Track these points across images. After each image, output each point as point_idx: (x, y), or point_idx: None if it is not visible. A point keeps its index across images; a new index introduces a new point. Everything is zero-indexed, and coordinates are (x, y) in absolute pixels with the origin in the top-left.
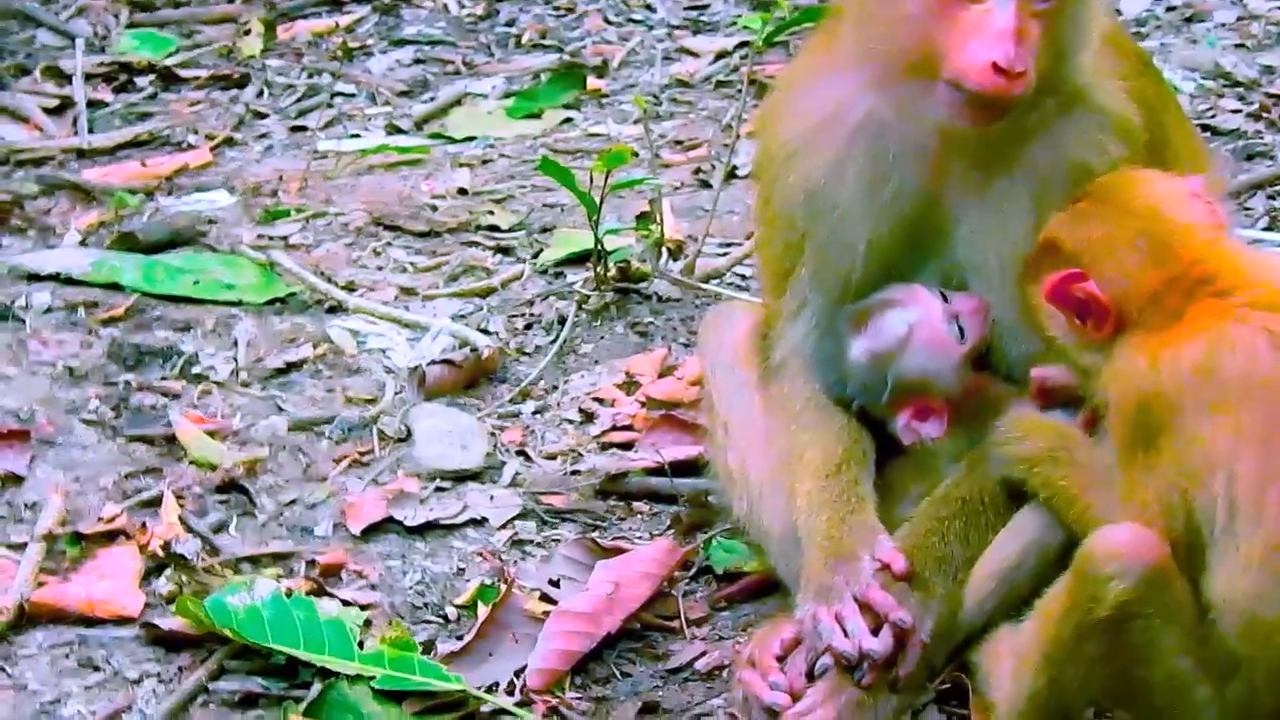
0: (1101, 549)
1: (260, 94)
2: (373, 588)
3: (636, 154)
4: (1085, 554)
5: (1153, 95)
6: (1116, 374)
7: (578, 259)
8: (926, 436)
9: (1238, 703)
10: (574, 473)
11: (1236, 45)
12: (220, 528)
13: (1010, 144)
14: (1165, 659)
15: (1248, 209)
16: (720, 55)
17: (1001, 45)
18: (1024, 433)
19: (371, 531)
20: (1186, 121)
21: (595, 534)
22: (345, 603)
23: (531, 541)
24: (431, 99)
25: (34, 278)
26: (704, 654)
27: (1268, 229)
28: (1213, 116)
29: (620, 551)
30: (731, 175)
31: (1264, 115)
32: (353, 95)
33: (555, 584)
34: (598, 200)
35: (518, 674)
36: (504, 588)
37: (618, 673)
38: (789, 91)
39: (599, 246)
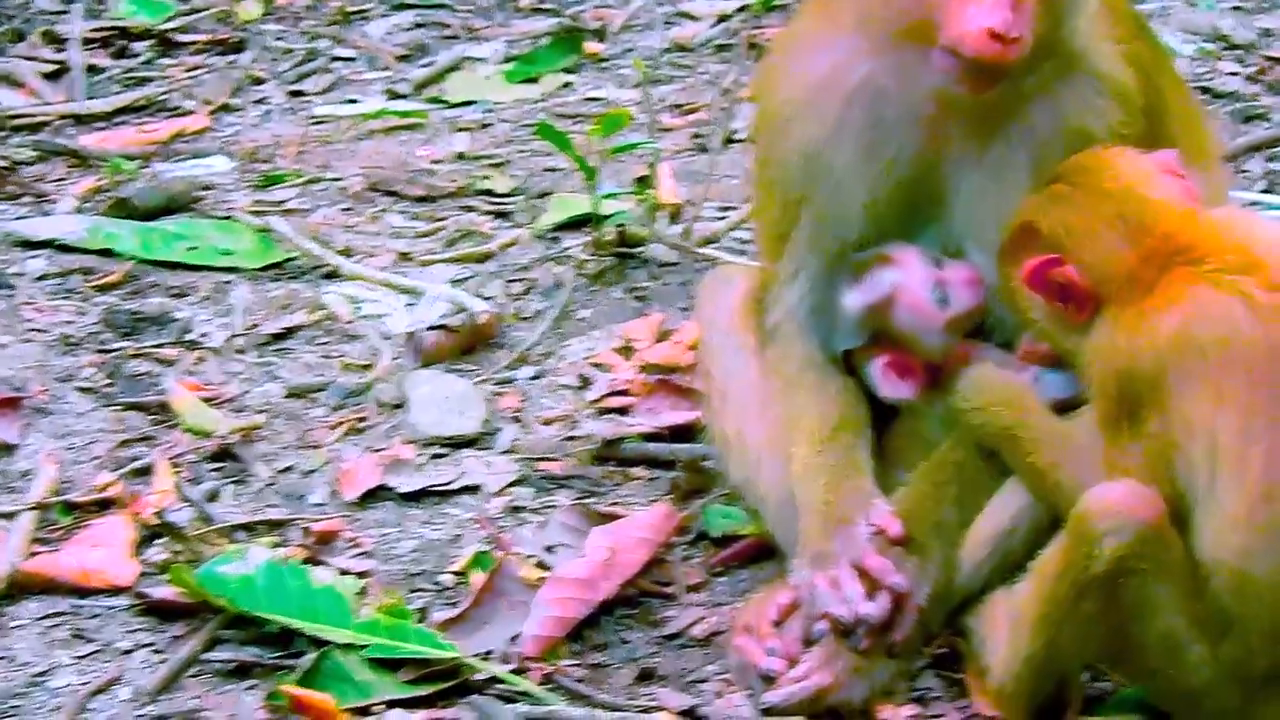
0: (1098, 506)
1: (258, 59)
2: (367, 555)
3: (634, 118)
4: (1081, 511)
5: (1148, 58)
6: (1096, 351)
7: (575, 224)
8: (900, 394)
9: (1231, 662)
10: (571, 438)
11: (1235, 8)
12: (214, 496)
13: (1007, 109)
14: (1160, 617)
15: (1245, 171)
16: (721, 19)
17: (998, 11)
18: (982, 406)
19: (367, 499)
20: (1182, 84)
21: (591, 500)
22: (340, 571)
23: (527, 508)
24: (430, 63)
25: (28, 244)
26: (701, 620)
27: (1265, 191)
28: (1211, 79)
29: (616, 517)
30: (730, 140)
31: (1262, 78)
32: (351, 60)
33: (551, 550)
34: (595, 165)
35: (513, 641)
36: (499, 555)
37: (614, 639)
38: (786, 55)
39: (596, 211)
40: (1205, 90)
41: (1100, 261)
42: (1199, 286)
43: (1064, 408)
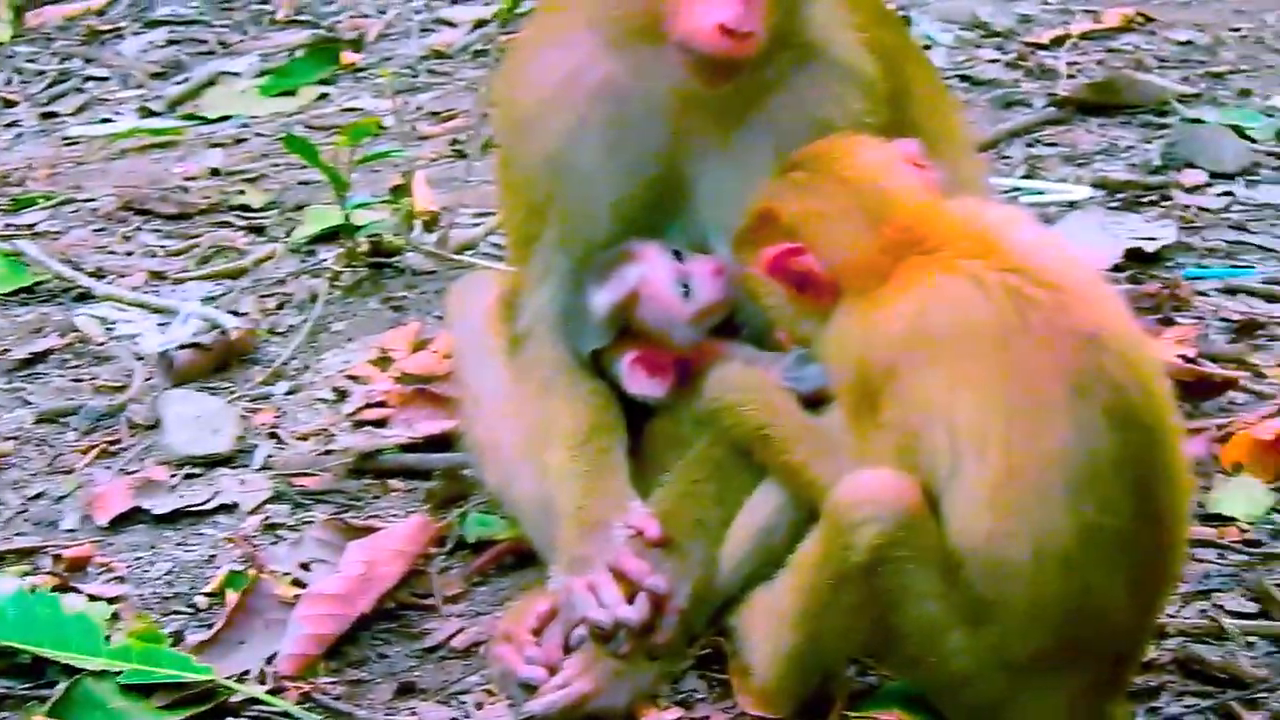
0: (853, 495)
1: (9, 81)
2: (120, 580)
3: (385, 127)
4: (836, 501)
5: (892, 45)
6: (833, 342)
7: (331, 236)
8: (650, 391)
9: (992, 648)
10: (327, 453)
11: None
12: None
13: (748, 102)
14: (920, 605)
15: (1006, 157)
16: (478, 24)
17: (728, 6)
18: (731, 405)
19: (119, 522)
20: (930, 71)
21: (349, 514)
22: (92, 597)
23: (284, 525)
24: (185, 80)
25: None
26: (460, 631)
27: (1026, 176)
28: (971, 67)
29: (373, 531)
30: (489, 146)
31: (1021, 64)
32: (105, 79)
33: (306, 567)
34: (347, 175)
35: (270, 661)
36: (253, 574)
37: (373, 654)
38: (524, 57)
39: (349, 222)
40: (965, 78)
41: (839, 250)
42: (931, 273)
43: (825, 399)
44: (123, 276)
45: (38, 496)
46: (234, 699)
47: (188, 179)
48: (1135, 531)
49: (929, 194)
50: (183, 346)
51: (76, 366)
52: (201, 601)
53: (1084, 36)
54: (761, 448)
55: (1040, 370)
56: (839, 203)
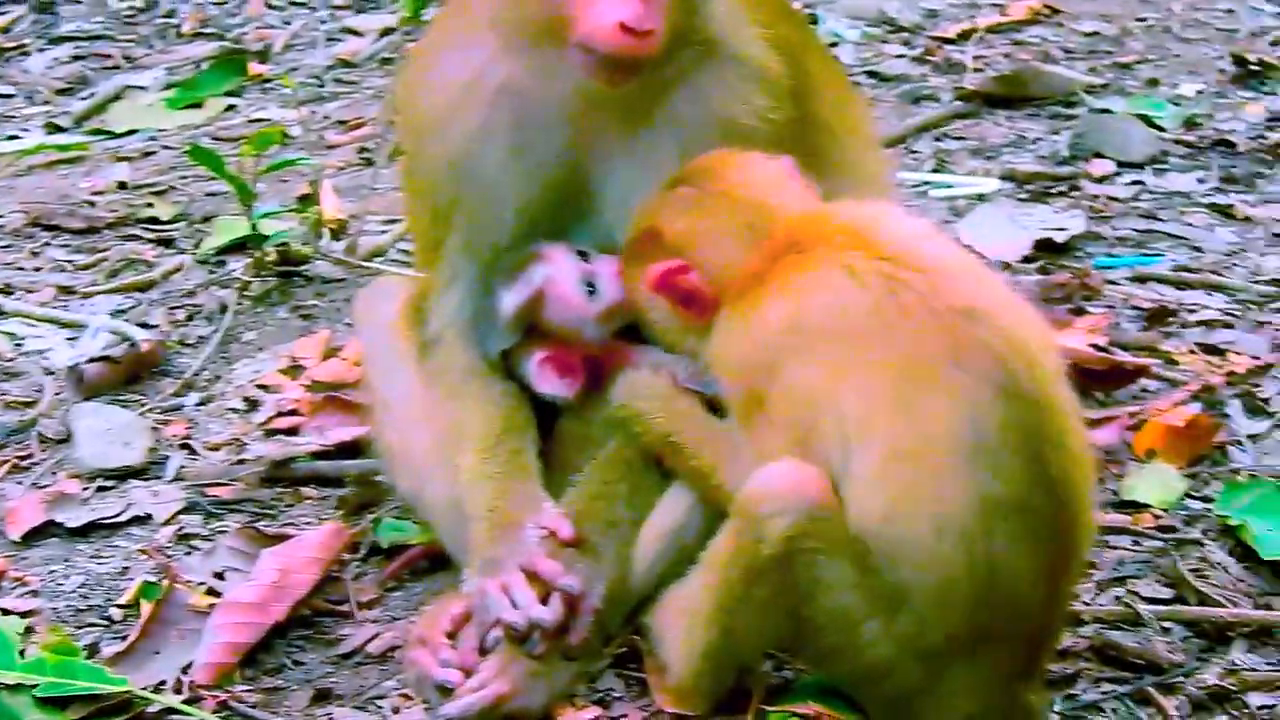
0: (763, 488)
1: None
2: (34, 593)
3: (290, 135)
4: (747, 495)
5: (795, 41)
6: (716, 350)
7: (239, 246)
8: (559, 391)
9: (908, 636)
10: (240, 462)
11: None
12: None
13: (651, 100)
14: (833, 595)
15: (915, 152)
16: (384, 33)
17: (628, 5)
18: (637, 413)
19: (32, 536)
20: (834, 65)
21: (262, 523)
22: (5, 611)
23: (198, 535)
24: (91, 95)
25: None
26: (376, 636)
27: (934, 171)
28: (878, 63)
29: (285, 538)
30: (396, 152)
31: (929, 59)
32: (10, 96)
33: (220, 576)
34: (253, 185)
35: (185, 670)
36: (167, 584)
37: (289, 661)
38: (426, 61)
39: (256, 231)
40: (872, 74)
41: (721, 264)
42: (805, 269)
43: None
44: (31, 292)
45: None
46: (151, 710)
47: (95, 194)
48: (1033, 500)
49: (808, 203)
50: (93, 360)
51: None
52: (116, 613)
53: (990, 30)
54: (668, 454)
55: (919, 349)
56: (721, 218)
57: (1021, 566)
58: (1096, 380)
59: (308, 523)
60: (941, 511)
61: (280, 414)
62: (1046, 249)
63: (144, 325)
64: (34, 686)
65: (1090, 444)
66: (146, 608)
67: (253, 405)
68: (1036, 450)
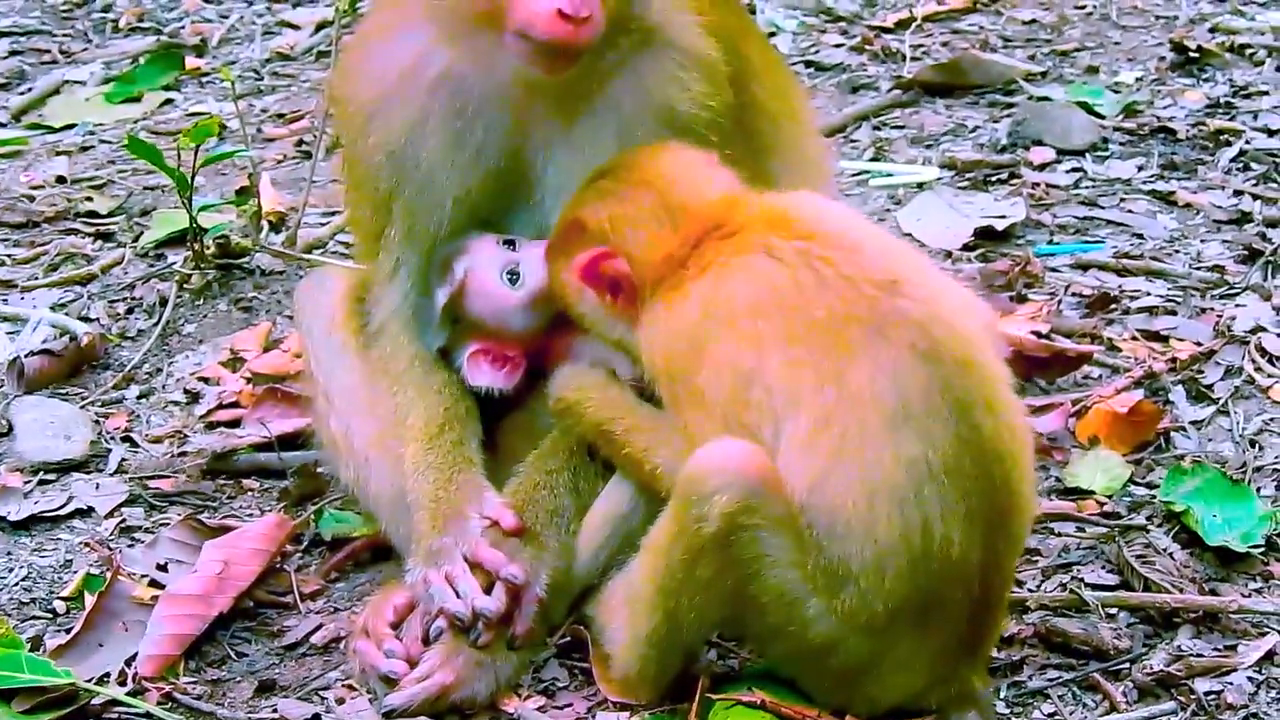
0: (703, 466)
1: None
2: None
3: (225, 127)
4: (687, 475)
5: (733, 27)
6: (645, 339)
7: (179, 239)
8: (494, 383)
9: (850, 612)
10: (181, 454)
11: None
12: None
13: (590, 87)
14: (776, 572)
15: (854, 141)
16: (321, 26)
17: None
18: (570, 406)
19: None
20: (772, 52)
21: (205, 515)
22: None
23: (141, 528)
24: (29, 89)
25: None
26: (320, 627)
27: (874, 159)
28: (816, 52)
29: (228, 530)
30: (335, 145)
31: (867, 47)
32: None
33: (163, 568)
34: (191, 177)
35: (129, 663)
36: (110, 576)
37: (232, 653)
38: (362, 51)
39: (194, 224)
40: (810, 64)
41: (644, 252)
42: (725, 252)
43: None
44: None
45: None
46: (95, 702)
47: (34, 188)
48: (964, 463)
49: (728, 189)
50: (33, 353)
51: None
52: (59, 606)
53: (929, 19)
54: (605, 443)
55: (841, 320)
56: (640, 204)
57: (957, 531)
58: (1039, 367)
59: (250, 514)
60: (870, 476)
61: (221, 406)
62: (987, 237)
63: (84, 319)
64: None
65: (1022, 411)
66: (90, 600)
67: (194, 398)
68: (964, 412)
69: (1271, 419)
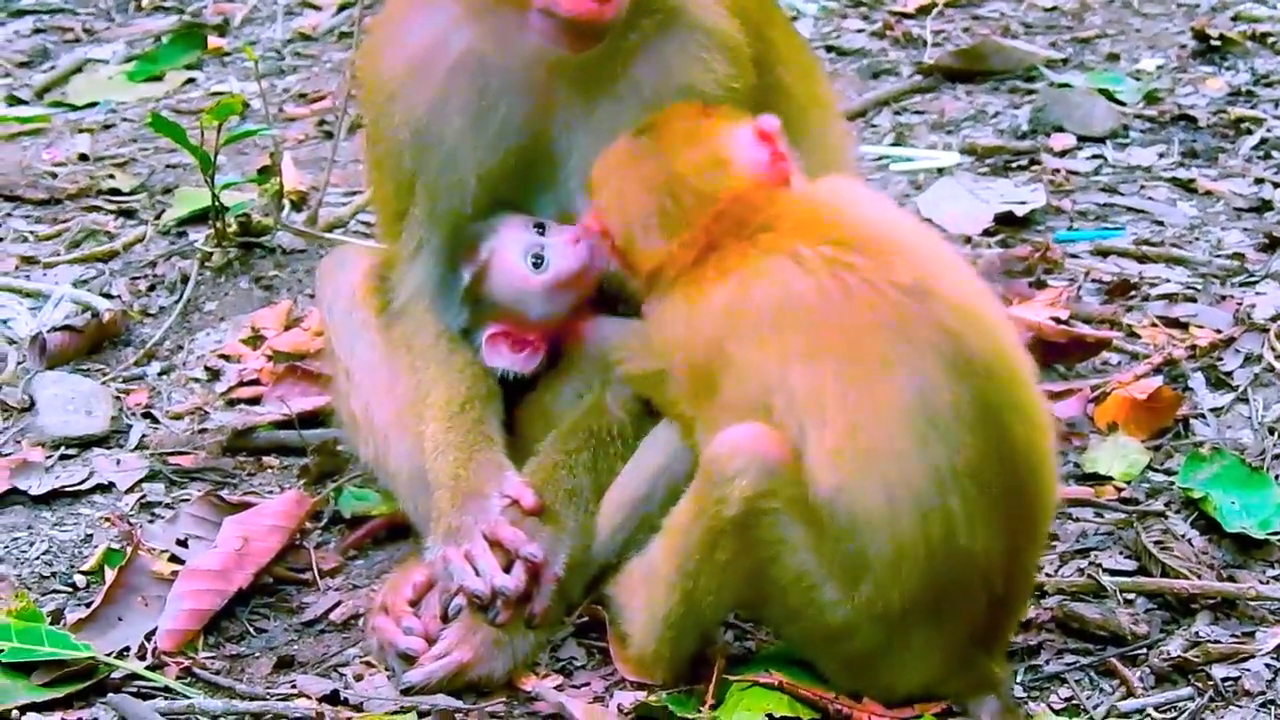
0: (725, 448)
1: None
2: None
3: (248, 105)
4: (709, 456)
5: (755, 9)
6: (660, 326)
7: (200, 217)
8: (512, 366)
9: (867, 600)
10: (202, 431)
11: None
12: None
13: (613, 67)
14: (794, 556)
15: (874, 126)
16: (343, 6)
17: None
18: (629, 353)
19: None
20: (795, 35)
21: (225, 491)
22: None
23: (161, 503)
24: (52, 68)
25: None
26: (339, 604)
27: (894, 144)
28: (837, 37)
29: (248, 506)
30: (356, 125)
31: (888, 33)
32: None
33: (183, 544)
34: (214, 155)
35: (149, 637)
36: (130, 551)
37: (251, 629)
38: (387, 29)
39: (216, 202)
40: (831, 48)
41: (633, 251)
42: (748, 255)
43: None
44: None
45: None
46: (114, 675)
47: (56, 165)
48: (989, 469)
49: (769, 174)
50: (55, 330)
51: None
52: (80, 580)
53: (950, 4)
54: (650, 390)
55: (867, 329)
56: (642, 191)
57: (981, 530)
58: (1058, 353)
59: (270, 491)
60: (896, 485)
61: (242, 383)
62: (1007, 222)
63: (106, 295)
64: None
65: (1048, 411)
66: (110, 575)
67: (214, 375)
68: (995, 422)
69: None
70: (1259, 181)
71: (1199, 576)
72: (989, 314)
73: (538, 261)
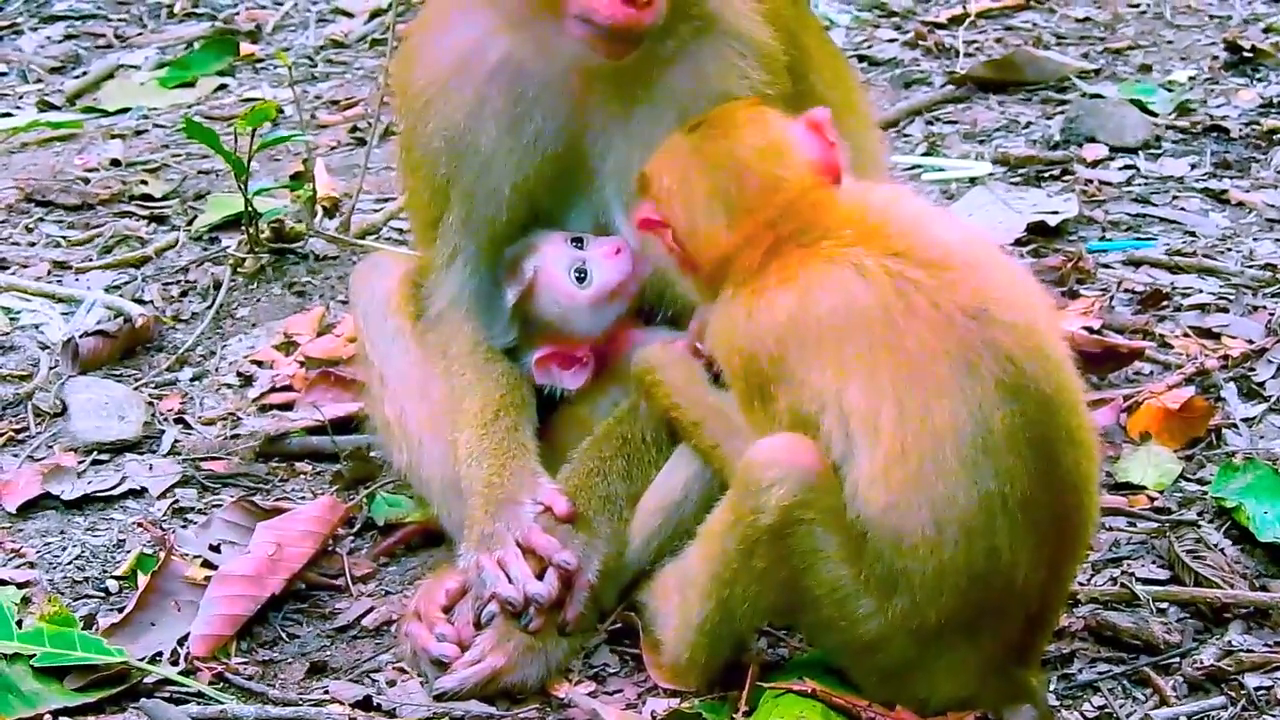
0: (761, 458)
1: None
2: (31, 565)
3: (282, 110)
4: (745, 465)
5: (790, 17)
6: (716, 331)
7: (233, 223)
8: (562, 383)
9: (901, 614)
10: (234, 437)
11: None
12: None
13: (649, 75)
14: (829, 567)
15: (907, 135)
16: (375, 14)
17: None
18: (649, 386)
19: (28, 508)
20: (829, 43)
21: (257, 497)
22: (2, 582)
23: (193, 509)
24: (84, 73)
25: None
26: (371, 610)
27: (926, 154)
28: (870, 47)
29: (280, 512)
30: (389, 132)
31: (920, 43)
32: (3, 74)
33: (216, 549)
34: (251, 164)
35: (181, 642)
36: (163, 556)
37: (284, 634)
38: (423, 36)
39: (249, 208)
40: (864, 58)
41: (694, 243)
42: (812, 263)
43: None
44: (26, 267)
45: None
46: (147, 680)
47: (89, 170)
48: (1038, 498)
49: (826, 171)
50: (88, 335)
51: None
52: (112, 585)
53: (982, 15)
54: (676, 425)
55: (927, 350)
56: (705, 184)
57: (1022, 553)
58: (1091, 363)
59: (302, 497)
60: (943, 508)
61: (274, 389)
62: (1040, 232)
63: (138, 301)
64: (31, 656)
65: (1096, 435)
66: (143, 580)
67: (247, 381)
68: (1046, 449)
69: None
70: None
71: (1231, 586)
72: (1046, 337)
73: (581, 276)
